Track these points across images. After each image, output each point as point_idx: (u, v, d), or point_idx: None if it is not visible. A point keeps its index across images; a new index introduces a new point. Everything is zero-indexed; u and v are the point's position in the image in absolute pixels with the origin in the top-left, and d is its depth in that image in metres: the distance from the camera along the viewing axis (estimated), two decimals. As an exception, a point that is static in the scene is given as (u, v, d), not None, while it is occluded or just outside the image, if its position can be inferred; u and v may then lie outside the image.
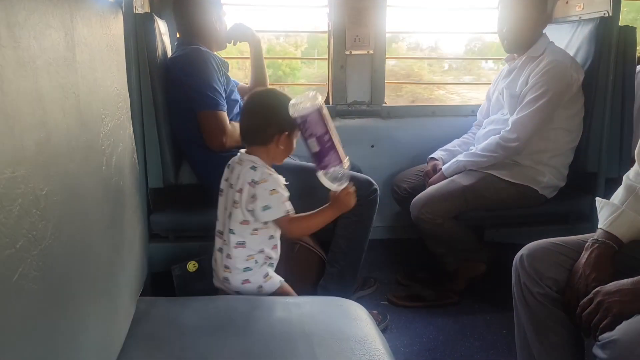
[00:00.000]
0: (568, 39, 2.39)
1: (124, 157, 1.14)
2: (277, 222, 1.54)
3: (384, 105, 2.68)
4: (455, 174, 2.22)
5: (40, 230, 0.63)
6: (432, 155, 2.43)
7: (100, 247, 0.91)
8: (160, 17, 2.21)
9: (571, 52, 2.30)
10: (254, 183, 1.49)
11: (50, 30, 0.72)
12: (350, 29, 2.54)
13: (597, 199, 1.44)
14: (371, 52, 2.59)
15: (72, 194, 0.76)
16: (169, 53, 2.22)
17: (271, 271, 1.61)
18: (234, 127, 2.03)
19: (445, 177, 2.23)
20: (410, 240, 2.71)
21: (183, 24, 2.18)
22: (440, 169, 2.30)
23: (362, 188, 2.06)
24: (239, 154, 1.62)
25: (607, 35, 2.21)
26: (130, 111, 1.26)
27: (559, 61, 2.14)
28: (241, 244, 1.56)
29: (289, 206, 1.52)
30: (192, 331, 1.23)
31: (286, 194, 1.53)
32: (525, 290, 1.42)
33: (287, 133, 1.55)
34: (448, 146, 2.46)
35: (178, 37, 2.27)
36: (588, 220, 2.33)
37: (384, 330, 2.02)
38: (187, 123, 2.03)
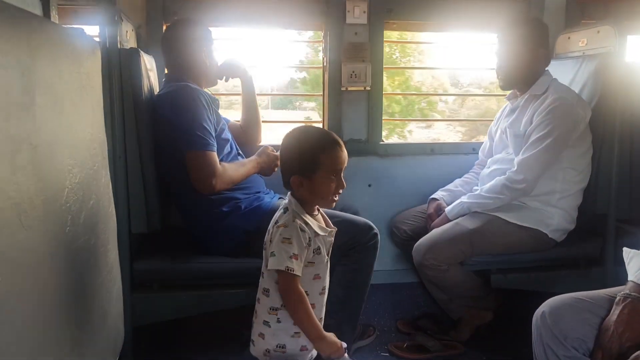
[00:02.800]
0: (572, 75, 2.31)
1: (97, 211, 1.00)
2: (278, 277, 1.38)
3: (381, 142, 2.57)
4: (460, 216, 2.10)
5: None
6: (433, 196, 2.31)
7: (62, 329, 0.76)
8: (147, 53, 2.10)
9: (576, 89, 2.22)
10: (276, 225, 1.39)
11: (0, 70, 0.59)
12: (347, 64, 2.45)
13: (625, 249, 1.33)
14: (368, 88, 2.50)
15: (20, 271, 0.61)
16: (156, 90, 2.10)
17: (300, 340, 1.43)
18: (224, 168, 1.90)
19: (449, 220, 2.11)
20: (410, 284, 2.57)
21: (171, 60, 2.08)
22: (443, 210, 2.18)
23: (362, 233, 1.93)
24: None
25: (613, 71, 2.13)
26: (107, 156, 1.12)
27: (564, 98, 2.06)
28: (266, 291, 1.42)
29: (293, 265, 1.34)
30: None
31: (299, 251, 1.36)
32: (549, 352, 1.30)
33: (298, 177, 1.40)
34: (449, 186, 2.35)
35: (166, 73, 2.16)
36: (599, 264, 2.23)
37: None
38: (175, 164, 1.90)
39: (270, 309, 1.41)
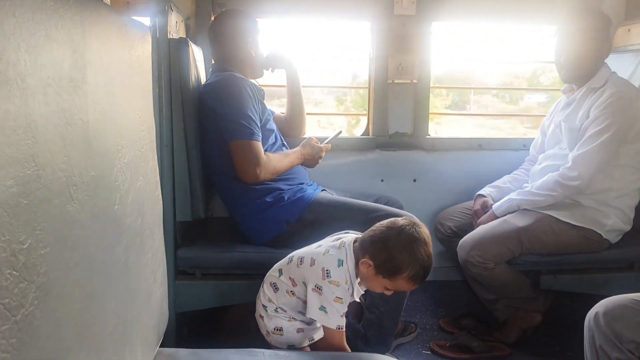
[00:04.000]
0: (632, 69, 2.21)
1: (144, 193, 1.01)
2: (325, 330, 1.47)
3: (428, 137, 2.51)
4: (508, 213, 2.03)
5: (16, 297, 0.49)
6: (480, 192, 2.24)
7: (109, 302, 0.77)
8: (195, 44, 2.13)
9: (635, 83, 2.12)
10: (326, 273, 1.40)
11: (52, 44, 0.59)
12: (393, 56, 2.40)
13: None
14: (415, 81, 2.44)
15: (69, 243, 0.62)
16: (203, 80, 2.12)
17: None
18: (268, 158, 1.90)
19: (497, 217, 2.04)
20: (454, 282, 2.51)
21: (218, 50, 2.09)
22: (491, 206, 2.11)
23: (405, 227, 1.89)
24: (351, 236, 1.52)
25: (677, 65, 2.01)
26: (155, 141, 1.13)
27: (623, 92, 1.96)
28: (274, 286, 1.51)
29: (343, 323, 1.43)
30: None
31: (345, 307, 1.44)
32: (601, 355, 1.24)
33: (372, 265, 1.41)
34: (497, 182, 2.27)
35: (213, 63, 2.18)
36: (657, 267, 2.10)
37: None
38: (220, 153, 1.92)
39: (276, 308, 1.50)
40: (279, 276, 1.50)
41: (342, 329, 1.42)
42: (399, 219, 1.49)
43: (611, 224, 1.98)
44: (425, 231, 1.44)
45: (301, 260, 1.45)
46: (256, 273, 1.94)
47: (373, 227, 1.47)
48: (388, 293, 1.46)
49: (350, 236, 1.52)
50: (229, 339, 2.10)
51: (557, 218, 1.97)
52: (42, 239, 0.55)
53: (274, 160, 1.93)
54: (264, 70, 2.20)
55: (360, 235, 1.50)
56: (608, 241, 2.01)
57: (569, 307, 2.15)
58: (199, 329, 2.14)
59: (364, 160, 2.47)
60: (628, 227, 2.04)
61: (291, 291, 1.47)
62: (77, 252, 0.65)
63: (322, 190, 2.11)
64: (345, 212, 1.93)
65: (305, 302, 1.45)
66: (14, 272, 0.49)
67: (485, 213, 2.11)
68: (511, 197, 2.05)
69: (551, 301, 2.11)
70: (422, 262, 1.39)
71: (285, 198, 1.93)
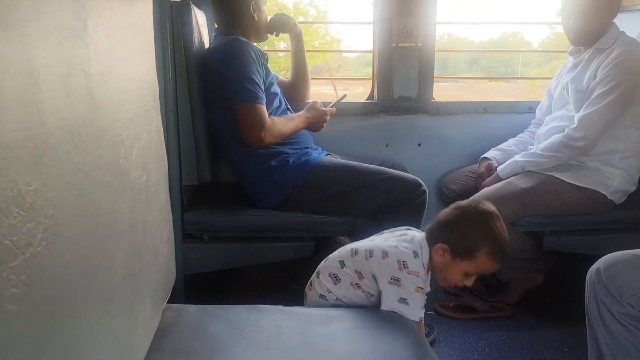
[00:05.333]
0: (641, 28, 2.16)
1: (148, 151, 1.02)
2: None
3: (433, 101, 2.50)
4: (512, 175, 2.03)
5: (24, 235, 0.51)
6: (484, 155, 2.24)
7: (115, 252, 0.79)
8: (198, 7, 2.11)
9: (645, 43, 2.07)
10: (403, 264, 1.36)
11: (51, -8, 0.60)
12: (398, 19, 2.37)
13: None
14: (419, 44, 2.42)
15: (75, 190, 0.63)
16: (207, 45, 2.11)
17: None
18: (273, 122, 1.90)
19: (501, 179, 2.04)
20: (458, 246, 2.53)
21: (221, 14, 2.07)
22: (495, 169, 2.11)
23: (409, 189, 1.91)
24: (418, 233, 1.49)
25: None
26: (158, 100, 1.14)
27: (632, 52, 1.93)
28: (335, 277, 1.45)
29: (422, 313, 1.38)
30: (223, 344, 1.11)
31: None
32: (602, 309, 1.25)
33: (448, 249, 1.39)
34: (502, 145, 2.27)
35: (216, 27, 2.16)
36: (660, 228, 2.10)
37: (431, 344, 1.85)
38: (224, 117, 1.92)
39: (336, 298, 1.44)
40: (342, 268, 1.44)
41: (422, 320, 1.38)
42: (461, 202, 1.48)
43: (616, 185, 1.98)
44: (491, 206, 1.44)
45: (370, 253, 1.41)
46: (263, 236, 1.99)
47: (438, 216, 1.47)
48: (468, 283, 1.44)
49: (415, 231, 1.51)
50: (236, 299, 2.14)
51: (561, 179, 1.97)
52: (48, 183, 0.56)
53: (279, 123, 1.93)
54: (268, 34, 2.18)
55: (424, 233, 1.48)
56: (613, 202, 2.01)
57: (572, 268, 2.17)
58: (207, 291, 2.18)
59: (368, 125, 2.47)
60: (633, 188, 2.04)
61: (356, 284, 1.42)
62: (83, 200, 0.66)
63: (327, 154, 2.11)
64: (350, 175, 1.94)
65: (370, 295, 1.41)
66: (22, 212, 0.50)
67: (489, 176, 2.12)
68: (515, 159, 2.05)
69: (554, 262, 2.13)
70: (498, 235, 1.39)
71: (291, 162, 1.94)
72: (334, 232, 1.99)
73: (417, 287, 1.35)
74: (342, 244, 2.14)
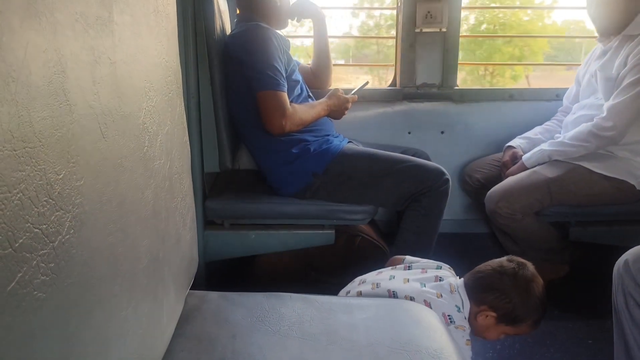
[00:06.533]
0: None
1: (172, 138, 1.02)
2: None
3: (456, 87, 2.45)
4: (538, 164, 1.99)
5: (52, 224, 0.51)
6: (509, 144, 2.20)
7: (139, 239, 0.79)
8: (219, -7, 2.10)
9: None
10: (449, 319, 1.33)
11: (78, -21, 0.59)
12: (422, 4, 2.33)
13: None
14: (444, 29, 2.37)
15: (102, 178, 0.64)
16: (228, 31, 2.11)
17: None
18: (294, 109, 1.89)
19: (527, 168, 2.00)
20: (480, 235, 2.50)
21: (243, 0, 2.06)
22: (520, 158, 2.07)
23: (432, 178, 1.88)
24: (452, 277, 1.46)
25: None
26: (181, 87, 1.14)
27: (664, 39, 1.86)
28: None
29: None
30: (245, 331, 1.12)
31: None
32: (630, 302, 1.22)
33: (493, 315, 1.37)
34: (528, 134, 2.23)
35: (237, 13, 2.15)
36: (690, 219, 2.05)
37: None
38: (246, 104, 1.92)
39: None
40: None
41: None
42: (502, 259, 1.45)
43: (645, 175, 1.93)
44: (533, 269, 1.43)
45: (411, 298, 1.36)
46: (283, 223, 1.99)
47: (478, 272, 1.44)
48: (502, 337, 1.43)
49: (450, 276, 1.47)
50: (257, 286, 2.16)
51: (589, 169, 1.92)
52: (76, 171, 0.56)
53: (300, 111, 1.92)
54: (290, 20, 2.16)
55: (459, 278, 1.45)
56: (641, 193, 1.96)
57: (598, 259, 2.13)
58: (227, 277, 2.20)
59: (390, 112, 2.44)
60: (663, 179, 1.99)
61: None
62: (109, 188, 0.66)
63: (349, 142, 2.10)
64: (371, 163, 1.93)
65: None
66: (50, 200, 0.50)
67: (514, 164, 2.08)
68: (542, 147, 2.01)
69: (579, 253, 2.09)
70: (543, 305, 1.38)
71: (312, 150, 1.94)
72: (355, 221, 1.98)
73: (466, 339, 1.32)
74: (362, 234, 2.13)
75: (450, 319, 1.32)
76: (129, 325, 0.75)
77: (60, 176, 0.52)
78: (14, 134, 0.45)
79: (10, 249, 0.43)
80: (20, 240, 0.45)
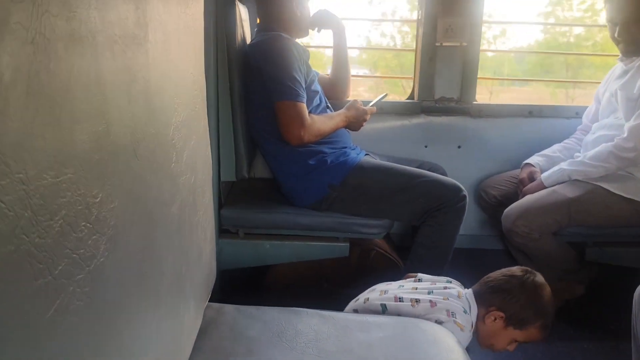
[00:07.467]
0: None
1: (197, 151, 1.02)
2: None
3: (475, 102, 2.44)
4: (557, 183, 1.97)
5: (89, 248, 0.51)
6: (527, 161, 2.18)
7: (166, 255, 0.79)
8: (242, 3, 2.11)
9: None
10: (452, 315, 1.34)
11: (117, 1, 0.60)
12: (443, 18, 2.32)
13: None
14: (464, 43, 2.36)
15: (132, 198, 0.64)
16: (248, 40, 2.11)
17: None
18: (313, 120, 1.89)
19: (544, 187, 1.98)
20: (496, 251, 2.48)
21: (263, 10, 2.07)
22: (538, 176, 2.05)
23: (449, 194, 1.87)
24: (461, 288, 1.46)
25: None
26: (205, 100, 1.14)
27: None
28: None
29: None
30: (262, 347, 1.11)
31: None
32: (651, 332, 1.20)
33: (502, 317, 1.38)
34: (547, 151, 2.20)
35: (258, 23, 2.16)
36: None
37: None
38: (264, 114, 1.92)
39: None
40: (384, 312, 1.41)
41: None
42: (513, 268, 1.47)
43: (665, 197, 1.91)
44: (542, 279, 1.44)
45: (417, 301, 1.38)
46: (298, 234, 1.99)
47: (488, 278, 1.45)
48: (511, 348, 1.42)
49: (458, 286, 1.47)
50: (270, 296, 2.15)
51: (608, 190, 1.90)
52: (111, 193, 0.56)
53: (318, 122, 1.92)
54: (310, 30, 2.17)
55: (466, 289, 1.46)
56: (661, 215, 1.93)
57: (614, 280, 2.11)
58: (241, 286, 2.20)
59: (408, 125, 2.43)
60: (683, 202, 1.96)
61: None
62: (139, 206, 0.67)
63: (366, 154, 2.09)
64: (388, 177, 1.92)
65: None
66: (88, 225, 0.51)
67: (531, 182, 2.06)
68: (562, 166, 1.99)
69: (596, 273, 2.07)
70: (551, 311, 1.39)
71: (329, 161, 1.93)
72: (371, 235, 1.97)
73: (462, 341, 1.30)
74: (376, 248, 2.12)
75: (452, 314, 1.33)
76: (152, 342, 0.75)
77: (97, 200, 0.53)
78: (57, 159, 0.45)
79: (50, 277, 0.43)
80: (60, 267, 0.45)
